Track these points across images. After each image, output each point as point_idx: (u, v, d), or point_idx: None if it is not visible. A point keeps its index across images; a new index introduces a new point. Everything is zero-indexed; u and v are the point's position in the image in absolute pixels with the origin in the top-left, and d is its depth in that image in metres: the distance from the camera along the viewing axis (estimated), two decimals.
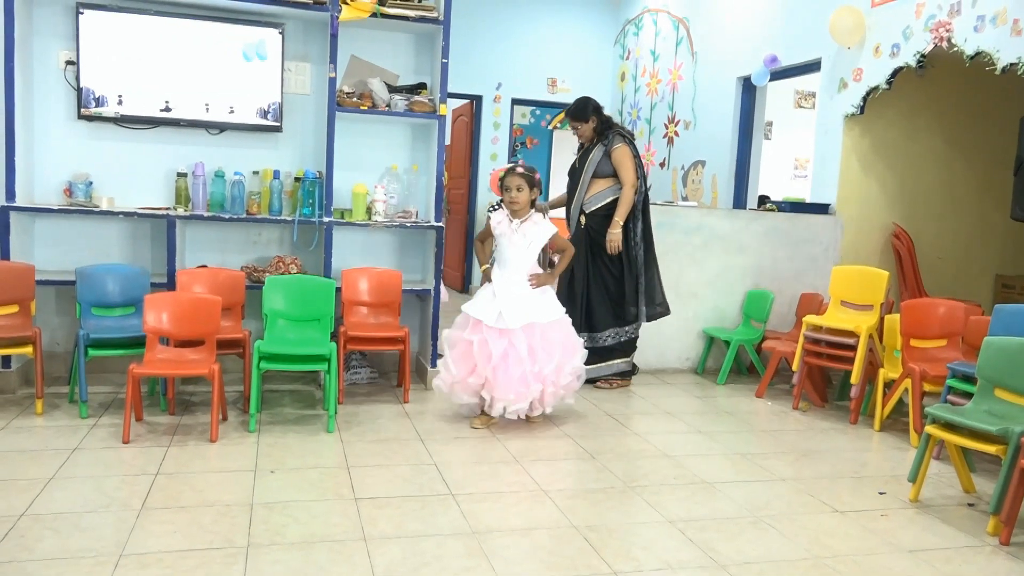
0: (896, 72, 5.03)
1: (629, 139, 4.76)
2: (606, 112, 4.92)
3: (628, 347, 4.82)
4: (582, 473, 3.32)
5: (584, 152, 4.84)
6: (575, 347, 3.99)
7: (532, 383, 3.75)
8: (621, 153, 4.66)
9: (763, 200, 6.86)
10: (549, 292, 3.97)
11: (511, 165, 3.87)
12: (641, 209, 4.74)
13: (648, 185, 4.85)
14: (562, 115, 5.18)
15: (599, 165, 4.70)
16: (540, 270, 4.00)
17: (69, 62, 4.23)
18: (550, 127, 12.87)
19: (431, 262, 4.63)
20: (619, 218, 4.62)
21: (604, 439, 3.80)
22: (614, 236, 4.62)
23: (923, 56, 4.83)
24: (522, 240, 3.84)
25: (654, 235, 4.86)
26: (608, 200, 4.70)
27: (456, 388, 3.84)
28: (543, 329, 3.83)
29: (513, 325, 3.73)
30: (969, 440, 3.00)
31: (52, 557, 2.36)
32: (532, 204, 3.91)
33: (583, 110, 4.77)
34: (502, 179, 3.84)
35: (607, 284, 4.72)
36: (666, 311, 4.86)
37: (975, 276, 5.98)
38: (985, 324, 3.94)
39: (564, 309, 3.97)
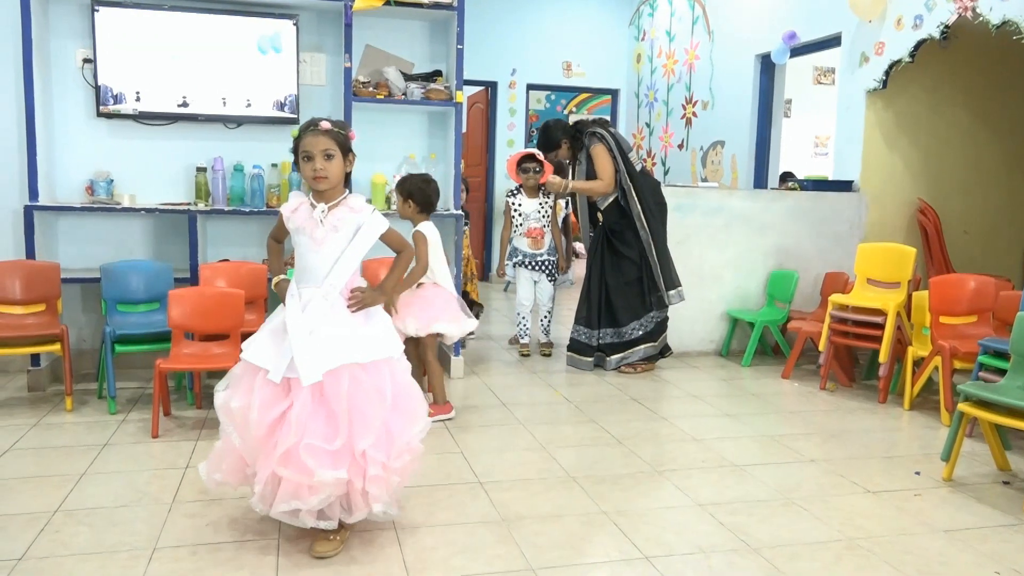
0: (919, 44, 4.93)
1: (600, 134, 4.70)
2: (577, 119, 4.97)
3: (656, 332, 4.80)
4: (610, 459, 3.31)
5: (573, 167, 4.88)
6: (415, 405, 2.50)
7: (325, 467, 2.26)
8: (594, 152, 4.67)
9: (785, 177, 6.77)
10: (377, 317, 2.52)
11: (313, 121, 2.48)
12: (636, 193, 4.66)
13: (638, 168, 4.79)
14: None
15: (588, 174, 4.73)
16: (363, 281, 2.55)
17: (86, 60, 4.25)
18: (565, 112, 12.81)
19: (451, 250, 4.61)
20: (575, 185, 4.72)
21: (631, 424, 3.78)
22: (554, 182, 4.74)
23: (947, 27, 4.73)
24: (332, 236, 2.43)
25: (675, 217, 4.84)
26: (615, 194, 4.70)
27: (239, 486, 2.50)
28: (357, 376, 2.35)
29: (311, 377, 2.28)
30: (1004, 417, 2.95)
31: (88, 552, 2.38)
32: (347, 180, 2.54)
33: (550, 140, 4.84)
34: (298, 139, 2.48)
35: (627, 275, 4.70)
36: (680, 298, 4.77)
37: (1003, 250, 5.88)
38: (1016, 299, 3.87)
39: (400, 346, 2.52)
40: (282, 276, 2.59)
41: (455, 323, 3.79)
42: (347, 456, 2.32)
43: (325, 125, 2.46)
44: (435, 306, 3.76)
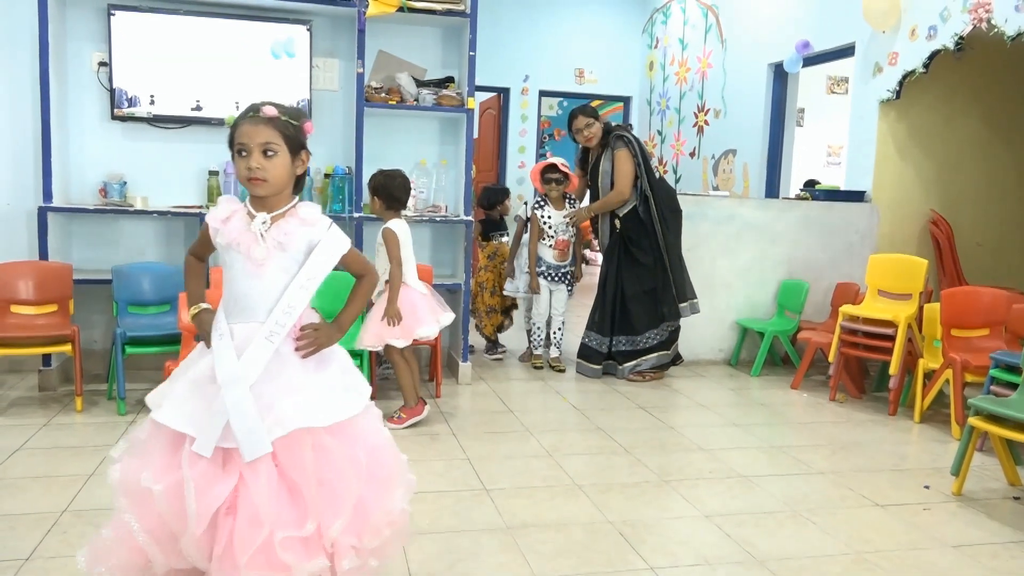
0: (933, 55, 4.91)
1: (628, 139, 4.71)
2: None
3: (669, 341, 4.79)
4: (616, 467, 3.30)
5: (594, 165, 4.83)
6: (391, 467, 1.95)
7: (302, 559, 1.75)
8: (619, 157, 4.67)
9: (810, 184, 6.76)
10: (333, 361, 1.95)
11: (254, 107, 1.90)
12: (654, 200, 4.67)
13: (657, 177, 4.79)
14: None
15: (612, 176, 4.71)
16: (316, 316, 1.97)
17: (102, 63, 4.28)
18: None
19: (461, 256, 4.62)
20: (594, 210, 4.80)
21: (638, 433, 3.77)
22: (580, 215, 4.89)
23: (961, 38, 4.71)
24: (276, 256, 1.88)
25: (686, 226, 4.83)
26: (635, 202, 4.70)
27: None
28: (323, 444, 1.82)
29: (257, 448, 1.74)
30: (1015, 432, 2.92)
31: None
32: (299, 185, 1.98)
33: (591, 109, 4.85)
34: (233, 128, 1.91)
35: (645, 283, 4.68)
36: (693, 310, 4.79)
37: (1016, 263, 5.83)
38: None
39: (368, 391, 1.96)
40: (203, 305, 2.00)
41: (435, 324, 3.73)
42: (315, 544, 1.78)
43: (269, 111, 1.86)
44: (413, 312, 3.62)
